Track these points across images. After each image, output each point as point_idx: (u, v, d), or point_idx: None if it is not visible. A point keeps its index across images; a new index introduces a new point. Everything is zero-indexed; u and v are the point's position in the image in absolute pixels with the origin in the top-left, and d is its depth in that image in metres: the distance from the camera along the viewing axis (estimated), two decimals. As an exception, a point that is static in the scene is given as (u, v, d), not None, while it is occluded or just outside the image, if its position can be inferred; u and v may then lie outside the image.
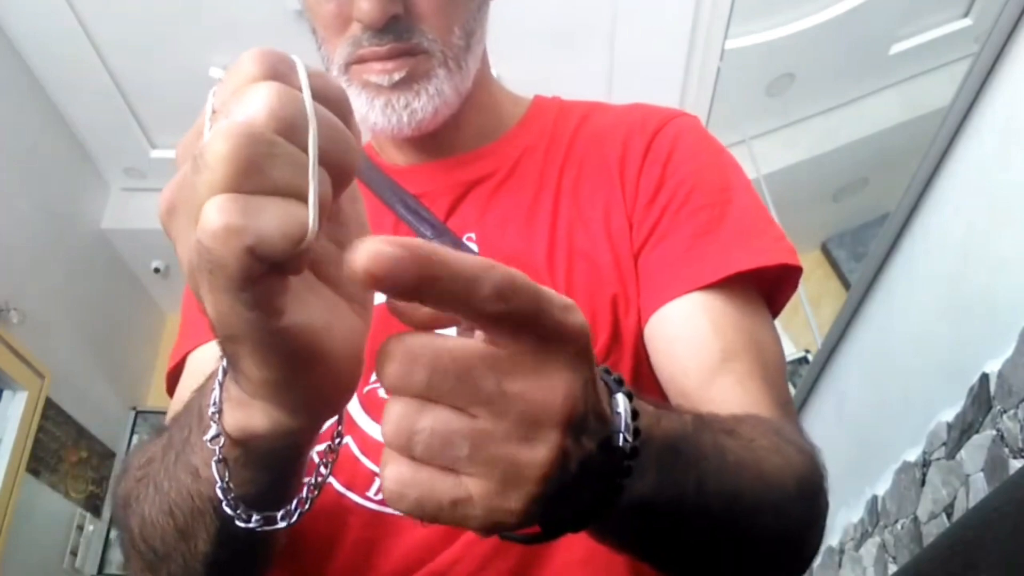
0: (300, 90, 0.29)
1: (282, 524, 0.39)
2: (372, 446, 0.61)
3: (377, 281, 0.26)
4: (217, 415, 0.37)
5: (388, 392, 0.29)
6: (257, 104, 0.28)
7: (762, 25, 2.81)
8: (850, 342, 1.96)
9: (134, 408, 4.17)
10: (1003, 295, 1.29)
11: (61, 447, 3.55)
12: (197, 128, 0.30)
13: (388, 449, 0.29)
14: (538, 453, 0.29)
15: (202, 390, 0.42)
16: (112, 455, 3.99)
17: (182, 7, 2.97)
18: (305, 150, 0.28)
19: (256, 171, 0.27)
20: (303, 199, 0.28)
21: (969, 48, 1.52)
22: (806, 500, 0.49)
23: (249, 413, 0.35)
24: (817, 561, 2.02)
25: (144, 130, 3.61)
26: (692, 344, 0.60)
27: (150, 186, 3.91)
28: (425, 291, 0.27)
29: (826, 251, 2.49)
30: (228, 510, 0.38)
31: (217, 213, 0.26)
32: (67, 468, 3.59)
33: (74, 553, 3.58)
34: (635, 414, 0.34)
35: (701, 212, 0.66)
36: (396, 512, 0.58)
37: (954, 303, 1.45)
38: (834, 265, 2.45)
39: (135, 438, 4.14)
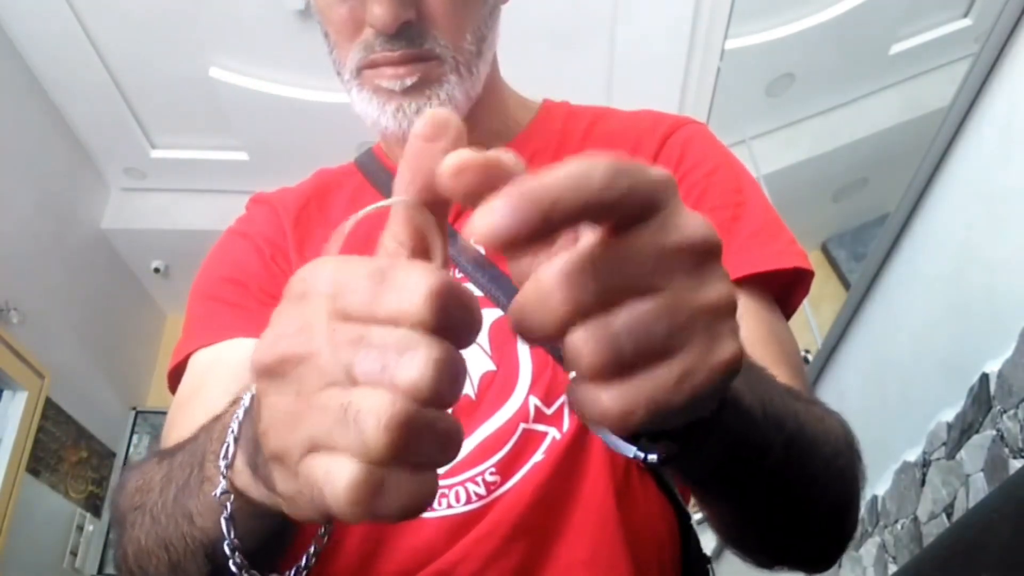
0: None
1: None
2: None
3: (508, 232, 0.26)
4: (228, 469, 0.37)
5: (569, 324, 0.28)
6: (427, 378, 0.26)
7: (762, 25, 2.81)
8: (850, 342, 1.95)
9: (134, 408, 4.17)
10: (1003, 295, 1.28)
11: (61, 447, 3.55)
12: (339, 294, 0.28)
13: (591, 385, 0.28)
14: (721, 288, 0.29)
15: (209, 432, 0.43)
16: (112, 455, 3.99)
17: (182, 7, 2.97)
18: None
19: (407, 451, 0.26)
20: (435, 470, 0.28)
21: (969, 48, 1.52)
22: (852, 449, 0.53)
23: (253, 485, 0.36)
24: (817, 561, 2.02)
25: (144, 130, 3.61)
26: None
27: (150, 186, 3.91)
28: (553, 219, 0.26)
29: (826, 251, 2.49)
30: (234, 568, 0.39)
31: (351, 489, 0.26)
32: (67, 468, 3.59)
33: (74, 553, 3.58)
34: None
35: (715, 214, 0.66)
36: None
37: (954, 303, 1.45)
38: (834, 265, 2.44)
39: (135, 438, 4.15)
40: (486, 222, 0.26)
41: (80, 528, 3.64)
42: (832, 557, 0.56)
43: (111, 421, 3.99)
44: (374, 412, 0.26)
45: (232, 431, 0.38)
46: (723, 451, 0.40)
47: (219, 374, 0.65)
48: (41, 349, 3.34)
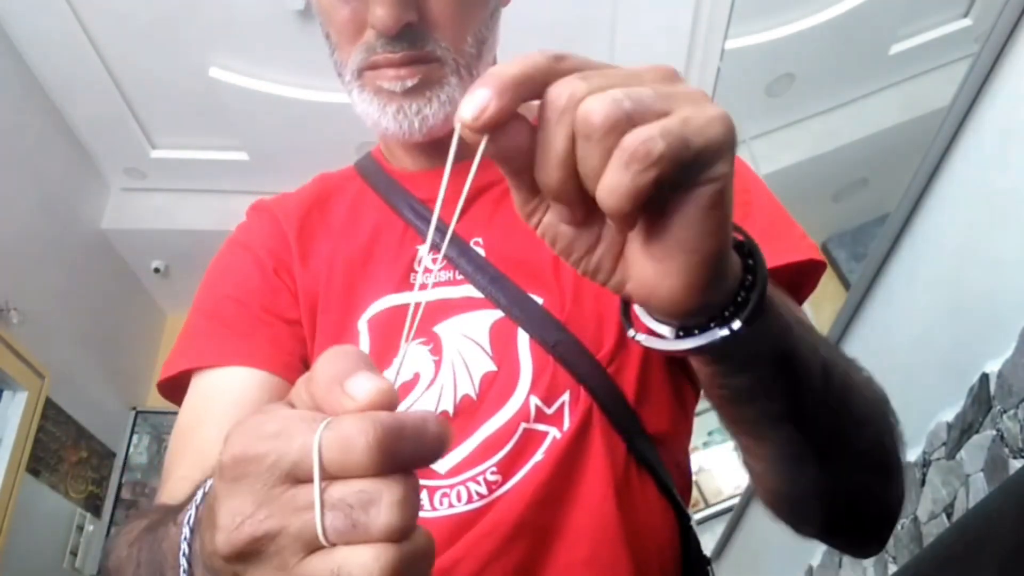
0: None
1: None
2: None
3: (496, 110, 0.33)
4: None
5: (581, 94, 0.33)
6: (396, 520, 0.28)
7: (762, 25, 2.81)
8: (850, 342, 1.95)
9: (134, 408, 4.17)
10: (1003, 295, 1.28)
11: (61, 447, 3.55)
12: (283, 464, 0.29)
13: (614, 160, 0.32)
14: (691, 88, 0.34)
15: (162, 545, 0.44)
16: (112, 455, 4.00)
17: (182, 7, 2.97)
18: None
19: None
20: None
21: (969, 48, 1.52)
22: (890, 411, 0.56)
23: None
24: (816, 561, 2.02)
25: (144, 130, 3.61)
26: None
27: (150, 186, 3.91)
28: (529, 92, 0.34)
29: (826, 251, 2.49)
30: None
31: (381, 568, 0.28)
32: (67, 468, 3.59)
33: (74, 553, 3.58)
34: None
35: None
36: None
37: (954, 303, 1.45)
38: (834, 265, 2.44)
39: (135, 438, 4.15)
40: (473, 105, 0.32)
41: (80, 528, 3.64)
42: (879, 531, 0.57)
43: (111, 421, 3.99)
44: (366, 570, 0.27)
45: (185, 538, 0.39)
46: (767, 350, 0.43)
47: (220, 406, 0.66)
48: (41, 349, 3.34)
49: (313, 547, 0.28)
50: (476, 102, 0.32)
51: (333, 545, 0.28)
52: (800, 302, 0.68)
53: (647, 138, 0.31)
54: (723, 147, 0.33)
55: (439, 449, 0.30)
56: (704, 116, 0.32)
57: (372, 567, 0.27)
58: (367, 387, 0.29)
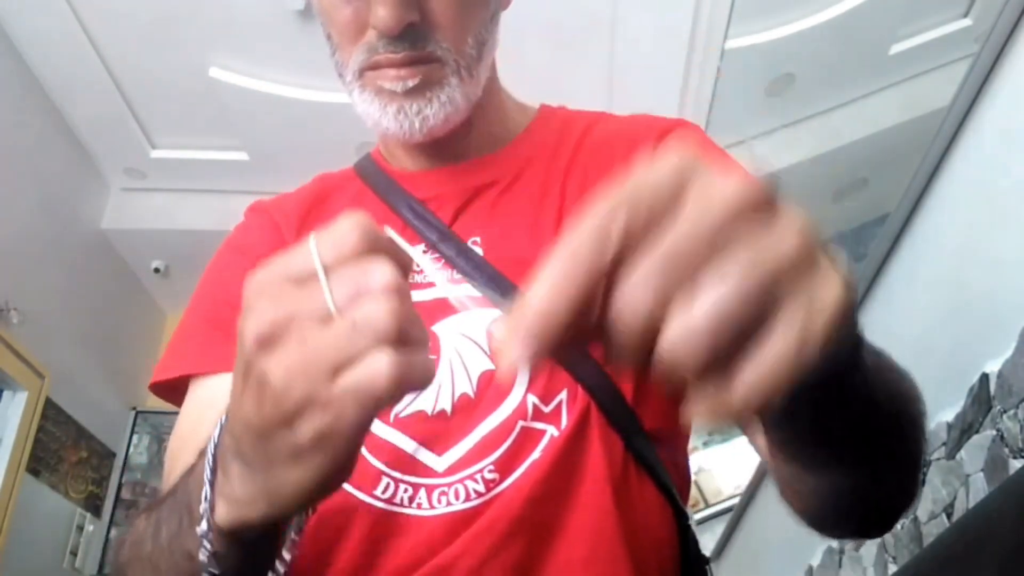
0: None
1: None
2: (379, 445, 0.62)
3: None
4: (209, 511, 0.42)
5: (652, 335, 0.27)
6: (390, 275, 0.33)
7: (762, 25, 2.81)
8: (850, 342, 1.95)
9: (134, 408, 4.17)
10: (1003, 296, 1.28)
11: (61, 447, 3.55)
12: (290, 273, 0.35)
13: (707, 387, 0.27)
14: (788, 234, 0.28)
15: (187, 484, 0.46)
16: (112, 455, 4.00)
17: (182, 7, 2.97)
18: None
19: (409, 332, 0.33)
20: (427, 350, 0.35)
21: (969, 48, 1.52)
22: (923, 408, 0.54)
23: (248, 507, 0.39)
24: (816, 561, 2.02)
25: (144, 130, 3.61)
26: None
27: (150, 186, 3.91)
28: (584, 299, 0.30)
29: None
30: None
31: (395, 371, 0.32)
32: (67, 468, 3.59)
33: (74, 553, 3.58)
34: None
35: None
36: (404, 511, 0.60)
37: (954, 303, 1.45)
38: (834, 265, 2.45)
39: (135, 438, 4.15)
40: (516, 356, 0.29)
41: (80, 528, 3.64)
42: (899, 514, 0.57)
43: (111, 421, 3.99)
44: (375, 314, 0.32)
45: (208, 476, 0.42)
46: (852, 402, 0.40)
47: (215, 416, 0.65)
48: (41, 349, 3.34)
49: (327, 320, 0.33)
50: (511, 360, 0.29)
51: (342, 313, 0.33)
52: None
53: (755, 396, 0.26)
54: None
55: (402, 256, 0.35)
56: (817, 315, 0.27)
57: (380, 311, 0.32)
58: (349, 218, 0.35)
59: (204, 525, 0.42)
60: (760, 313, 0.26)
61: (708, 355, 0.26)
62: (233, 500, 0.40)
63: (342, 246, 0.34)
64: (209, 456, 0.42)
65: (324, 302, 0.33)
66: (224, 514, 0.41)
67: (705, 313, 0.26)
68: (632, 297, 0.27)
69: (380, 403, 0.33)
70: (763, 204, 0.28)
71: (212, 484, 0.42)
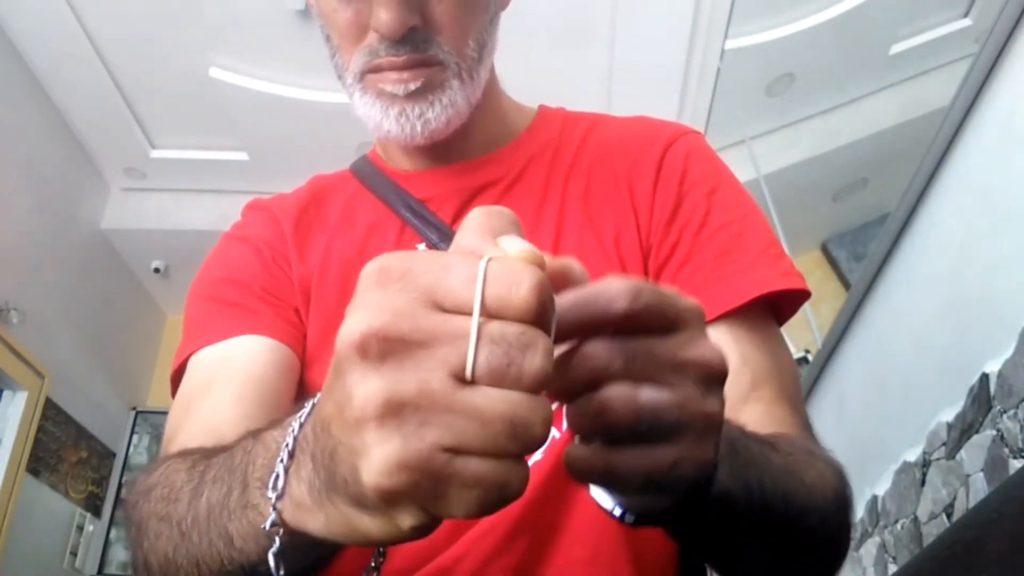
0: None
1: None
2: None
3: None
4: (278, 500, 0.36)
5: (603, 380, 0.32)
6: (546, 371, 0.28)
7: (762, 25, 2.82)
8: (850, 342, 1.96)
9: (134, 408, 4.17)
10: (1003, 295, 1.29)
11: (61, 447, 3.55)
12: (437, 288, 0.28)
13: (601, 446, 0.33)
14: (717, 406, 0.34)
15: (249, 454, 0.40)
16: (112, 455, 3.99)
17: (182, 7, 2.97)
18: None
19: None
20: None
21: (969, 48, 1.52)
22: (841, 509, 0.53)
23: (312, 517, 0.34)
24: (817, 561, 2.02)
25: (144, 130, 3.61)
26: None
27: (150, 186, 3.91)
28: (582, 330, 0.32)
29: (826, 251, 2.49)
30: None
31: (522, 484, 0.28)
32: (67, 468, 3.59)
33: (74, 553, 3.58)
34: None
35: (719, 234, 0.67)
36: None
37: (954, 303, 1.45)
38: (834, 265, 2.44)
39: (135, 438, 4.14)
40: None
41: (80, 528, 3.64)
42: None
43: (111, 421, 3.99)
44: (532, 417, 0.27)
45: (282, 460, 0.36)
46: (705, 529, 0.42)
47: (227, 370, 0.64)
48: (41, 349, 3.34)
49: (457, 372, 0.27)
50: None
51: (472, 381, 0.27)
52: (780, 324, 0.69)
53: (627, 476, 0.33)
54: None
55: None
56: (695, 459, 0.33)
57: (533, 415, 0.27)
58: (520, 246, 0.29)
59: (272, 515, 0.35)
60: (671, 428, 0.32)
61: (630, 421, 0.31)
62: (295, 503, 0.35)
63: (517, 290, 0.27)
64: (291, 434, 0.36)
65: (465, 353, 0.26)
66: (291, 516, 0.35)
67: (646, 396, 0.32)
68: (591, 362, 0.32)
69: (492, 510, 0.27)
70: (720, 378, 0.34)
71: (287, 471, 0.35)
